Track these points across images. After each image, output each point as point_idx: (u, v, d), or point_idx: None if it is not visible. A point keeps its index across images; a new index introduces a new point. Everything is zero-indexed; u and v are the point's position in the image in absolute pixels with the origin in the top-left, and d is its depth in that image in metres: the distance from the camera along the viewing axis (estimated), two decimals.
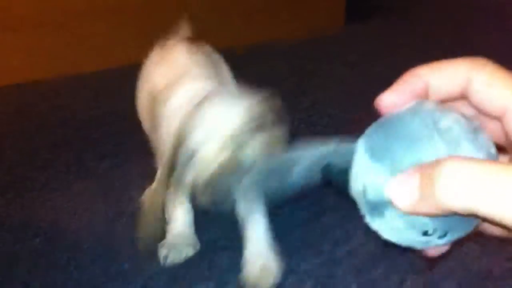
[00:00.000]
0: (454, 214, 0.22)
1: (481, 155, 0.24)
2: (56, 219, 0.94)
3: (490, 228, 0.25)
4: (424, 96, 0.26)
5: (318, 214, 0.91)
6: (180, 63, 0.87)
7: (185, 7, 1.76)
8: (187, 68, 0.85)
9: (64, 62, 1.68)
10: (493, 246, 0.79)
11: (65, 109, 1.50)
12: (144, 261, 0.80)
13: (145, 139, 0.96)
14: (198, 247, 0.82)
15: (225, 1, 1.90)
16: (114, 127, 1.25)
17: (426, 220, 0.24)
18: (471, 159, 0.22)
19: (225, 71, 0.93)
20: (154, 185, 0.71)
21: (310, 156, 0.30)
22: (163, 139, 0.78)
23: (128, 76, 0.98)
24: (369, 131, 0.26)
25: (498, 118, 0.25)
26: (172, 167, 0.68)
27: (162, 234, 0.77)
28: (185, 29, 0.99)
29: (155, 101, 0.85)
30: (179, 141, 0.67)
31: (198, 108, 0.68)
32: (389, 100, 0.26)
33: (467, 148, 0.23)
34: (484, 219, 0.21)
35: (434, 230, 0.24)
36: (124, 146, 1.14)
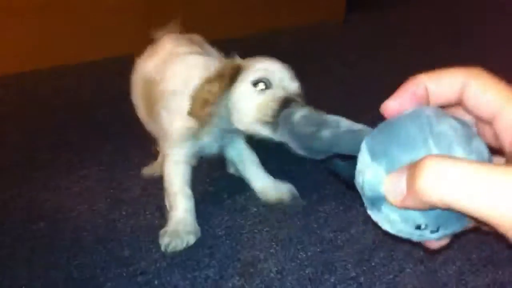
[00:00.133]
0: (446, 209, 0.23)
1: (472, 159, 0.25)
2: (60, 200, 0.95)
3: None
4: (425, 101, 0.29)
5: (319, 202, 0.91)
6: (168, 48, 0.94)
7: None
8: (175, 50, 0.93)
9: (68, 50, 1.70)
10: (492, 234, 0.79)
11: (70, 92, 1.52)
12: (144, 247, 0.81)
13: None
14: (199, 234, 0.82)
15: None
16: (119, 109, 1.27)
17: (416, 214, 0.26)
18: (449, 157, 0.24)
19: (215, 54, 0.95)
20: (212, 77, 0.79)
21: (341, 125, 0.33)
22: (162, 116, 0.87)
23: (130, 64, 1.00)
24: (373, 132, 0.29)
25: (489, 122, 0.27)
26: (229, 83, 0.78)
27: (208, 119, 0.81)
28: (175, 24, 1.04)
29: (151, 84, 0.91)
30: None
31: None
32: (392, 106, 0.29)
33: (458, 152, 0.25)
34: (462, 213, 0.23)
35: (426, 225, 0.26)
36: (128, 129, 1.14)
